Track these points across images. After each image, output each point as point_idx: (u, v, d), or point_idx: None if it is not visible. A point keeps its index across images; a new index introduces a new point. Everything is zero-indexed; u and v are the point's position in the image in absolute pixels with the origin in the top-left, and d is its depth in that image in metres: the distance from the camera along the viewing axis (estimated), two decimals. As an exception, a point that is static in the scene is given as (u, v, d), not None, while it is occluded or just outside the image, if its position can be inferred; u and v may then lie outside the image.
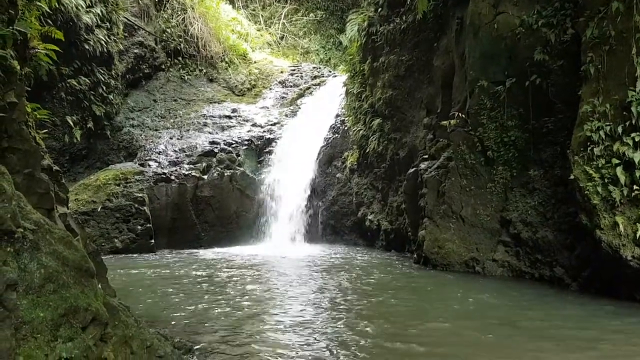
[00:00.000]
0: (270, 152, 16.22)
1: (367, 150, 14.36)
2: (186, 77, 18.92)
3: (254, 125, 17.21)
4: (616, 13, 7.32)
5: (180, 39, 18.85)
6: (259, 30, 24.42)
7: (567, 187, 8.21)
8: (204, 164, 15.12)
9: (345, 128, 16.27)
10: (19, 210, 2.99)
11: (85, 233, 5.67)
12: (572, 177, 7.56)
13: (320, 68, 21.71)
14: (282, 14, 25.58)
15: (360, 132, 14.65)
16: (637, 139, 7.00)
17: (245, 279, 9.10)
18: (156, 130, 16.78)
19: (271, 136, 16.61)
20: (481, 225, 9.71)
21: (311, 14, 25.33)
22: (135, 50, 17.31)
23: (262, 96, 19.36)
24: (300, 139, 16.17)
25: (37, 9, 5.93)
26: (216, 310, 6.68)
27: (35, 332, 2.71)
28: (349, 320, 6.17)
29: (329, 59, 24.58)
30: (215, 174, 14.90)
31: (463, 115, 10.05)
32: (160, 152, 15.65)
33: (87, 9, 13.68)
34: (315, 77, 20.23)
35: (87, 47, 13.93)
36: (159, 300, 7.33)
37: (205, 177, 14.79)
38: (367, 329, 5.80)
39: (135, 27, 17.26)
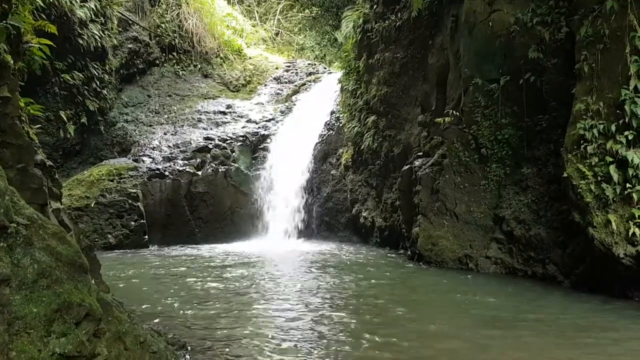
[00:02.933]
0: (265, 149, 16.19)
1: (361, 147, 14.37)
2: (180, 73, 18.84)
3: (249, 121, 17.17)
4: (610, 12, 7.35)
5: (175, 35, 18.77)
6: (254, 26, 24.36)
7: (560, 184, 8.25)
8: (198, 160, 15.08)
9: (340, 125, 16.26)
10: (12, 205, 2.98)
11: (78, 228, 5.66)
12: (565, 175, 7.59)
13: (315, 64, 21.68)
14: (277, 10, 25.54)
15: (355, 129, 14.65)
16: (630, 138, 7.04)
17: (239, 275, 9.10)
18: (150, 125, 16.72)
19: (266, 132, 16.58)
20: (475, 222, 9.74)
21: (306, 10, 25.28)
22: (130, 45, 17.22)
23: (257, 92, 19.31)
24: (295, 136, 16.16)
25: (31, 3, 5.90)
26: (209, 307, 6.68)
27: (28, 327, 2.70)
28: (341, 318, 6.19)
29: (324, 55, 24.57)
30: (209, 170, 14.88)
31: (457, 113, 10.07)
32: (154, 147, 15.60)
33: (81, 4, 13.59)
34: (311, 73, 20.21)
35: (81, 41, 13.84)
36: (152, 296, 7.33)
37: (200, 173, 14.76)
38: (357, 326, 5.82)
39: (130, 22, 17.17)
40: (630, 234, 6.84)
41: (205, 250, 12.83)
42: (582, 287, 7.92)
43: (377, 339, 5.30)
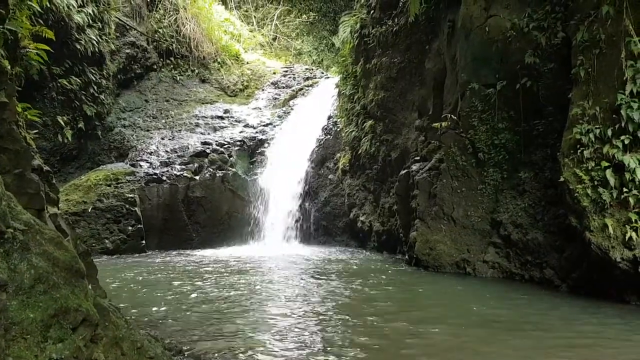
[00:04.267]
0: (262, 153, 16.21)
1: (359, 152, 14.39)
2: (178, 78, 18.87)
3: (247, 126, 17.20)
4: (606, 17, 7.39)
5: (173, 39, 18.81)
6: (251, 31, 24.41)
7: (557, 189, 8.27)
8: (196, 165, 15.08)
9: (338, 129, 16.29)
10: (9, 210, 2.97)
11: (75, 234, 5.65)
12: (562, 179, 7.61)
13: (312, 69, 21.75)
14: (274, 15, 25.58)
15: (353, 133, 14.68)
16: (626, 142, 7.06)
17: (236, 281, 9.09)
18: (148, 130, 16.73)
19: (263, 137, 16.60)
20: (472, 226, 9.76)
21: (304, 16, 25.35)
22: (127, 50, 17.25)
23: (254, 97, 19.35)
24: (292, 140, 16.18)
25: (28, 9, 5.90)
26: (207, 312, 6.67)
27: (25, 333, 2.70)
28: (340, 323, 6.18)
29: (322, 60, 24.63)
30: (207, 175, 14.87)
31: (454, 118, 10.10)
32: (151, 152, 15.60)
33: (79, 9, 13.61)
34: (308, 78, 20.26)
35: (78, 46, 13.86)
36: (149, 301, 7.31)
37: (197, 177, 14.75)
38: (357, 332, 5.82)
39: (127, 27, 17.20)
40: (627, 238, 6.85)
41: (202, 255, 12.80)
42: (579, 291, 7.92)
43: (376, 343, 5.29)
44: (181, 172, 14.71)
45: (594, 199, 7.20)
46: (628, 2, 7.23)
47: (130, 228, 13.20)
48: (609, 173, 7.10)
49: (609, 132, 7.21)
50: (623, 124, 7.11)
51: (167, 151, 15.66)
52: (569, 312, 6.84)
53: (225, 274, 9.69)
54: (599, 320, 6.38)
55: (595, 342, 5.44)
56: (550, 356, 4.96)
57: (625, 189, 6.98)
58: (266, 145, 16.37)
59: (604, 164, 7.18)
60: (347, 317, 6.44)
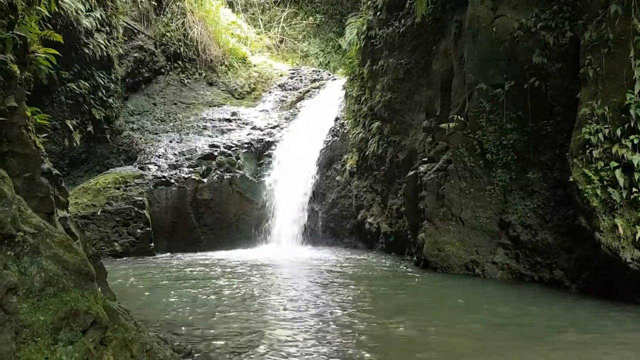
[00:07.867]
0: (270, 155, 16.22)
1: (366, 153, 14.37)
2: (186, 81, 18.93)
3: (254, 128, 17.22)
4: (614, 16, 7.34)
5: (180, 43, 18.87)
6: (258, 34, 24.46)
7: (566, 189, 8.22)
8: (204, 167, 15.12)
9: (345, 131, 16.28)
10: (19, 214, 3.00)
11: (85, 237, 5.69)
12: (571, 179, 7.57)
13: (319, 71, 21.73)
14: (281, 17, 25.63)
15: (360, 135, 14.67)
16: (635, 142, 7.02)
17: (244, 283, 9.10)
18: (156, 133, 16.79)
19: (271, 139, 16.61)
20: (481, 227, 9.72)
21: (310, 18, 25.38)
22: (135, 54, 17.33)
23: (261, 99, 19.38)
24: (299, 142, 16.18)
25: (37, 13, 5.94)
26: (215, 315, 6.68)
27: (35, 335, 2.72)
28: (345, 327, 6.18)
29: (329, 62, 24.63)
30: (215, 177, 14.91)
31: (462, 118, 10.07)
32: (160, 155, 15.65)
33: (87, 13, 13.69)
34: (315, 80, 20.26)
35: (86, 51, 13.94)
36: (158, 304, 7.34)
37: (205, 180, 14.79)
38: (359, 339, 5.81)
39: (135, 31, 17.29)
40: (637, 238, 6.81)
41: (211, 257, 12.83)
42: (589, 292, 7.87)
43: (384, 348, 5.28)
44: (189, 175, 14.75)
45: (603, 199, 7.16)
46: (636, 1, 7.18)
47: (139, 231, 13.26)
48: (618, 173, 7.05)
49: (618, 132, 7.16)
50: (632, 124, 7.07)
51: (175, 154, 15.70)
52: (579, 314, 6.80)
53: (233, 277, 9.70)
54: (609, 322, 6.33)
55: (605, 344, 5.40)
56: (563, 358, 4.93)
57: (634, 189, 6.94)
58: (273, 147, 16.37)
59: (613, 164, 7.14)
60: (356, 320, 6.43)
